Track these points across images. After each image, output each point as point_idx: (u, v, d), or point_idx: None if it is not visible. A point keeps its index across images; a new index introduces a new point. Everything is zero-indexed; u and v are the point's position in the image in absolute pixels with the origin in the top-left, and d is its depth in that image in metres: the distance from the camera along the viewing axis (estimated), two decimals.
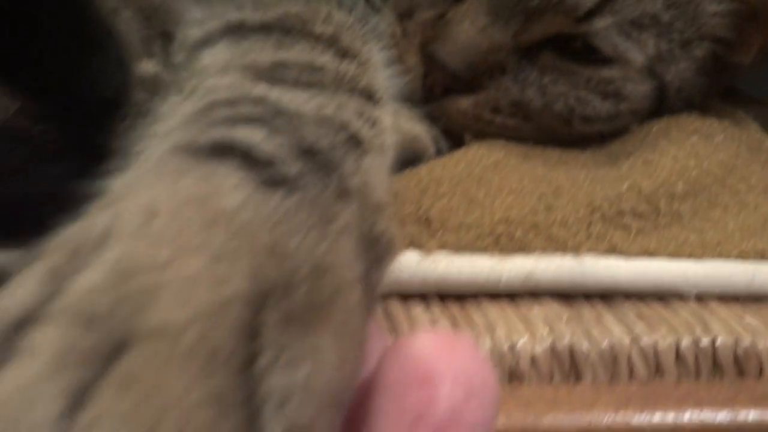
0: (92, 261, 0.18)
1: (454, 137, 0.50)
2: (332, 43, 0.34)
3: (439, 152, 0.48)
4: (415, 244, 0.37)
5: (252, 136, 0.24)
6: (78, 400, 0.16)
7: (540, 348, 0.34)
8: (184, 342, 0.17)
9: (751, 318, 0.36)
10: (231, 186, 0.21)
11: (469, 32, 0.48)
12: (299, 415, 0.18)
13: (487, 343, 0.34)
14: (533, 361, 0.34)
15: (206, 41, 0.35)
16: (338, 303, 0.20)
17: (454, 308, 0.36)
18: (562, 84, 0.49)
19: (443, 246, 0.37)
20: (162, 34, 0.44)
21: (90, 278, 0.18)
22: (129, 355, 0.16)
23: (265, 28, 0.34)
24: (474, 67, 0.48)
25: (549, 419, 0.31)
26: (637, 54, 0.48)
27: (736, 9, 0.51)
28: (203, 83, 0.29)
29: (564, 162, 0.47)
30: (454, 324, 0.35)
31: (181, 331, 0.17)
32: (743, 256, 0.38)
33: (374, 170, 0.27)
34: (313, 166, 0.24)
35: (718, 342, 0.34)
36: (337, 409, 0.19)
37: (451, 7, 0.50)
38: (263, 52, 0.32)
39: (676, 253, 0.38)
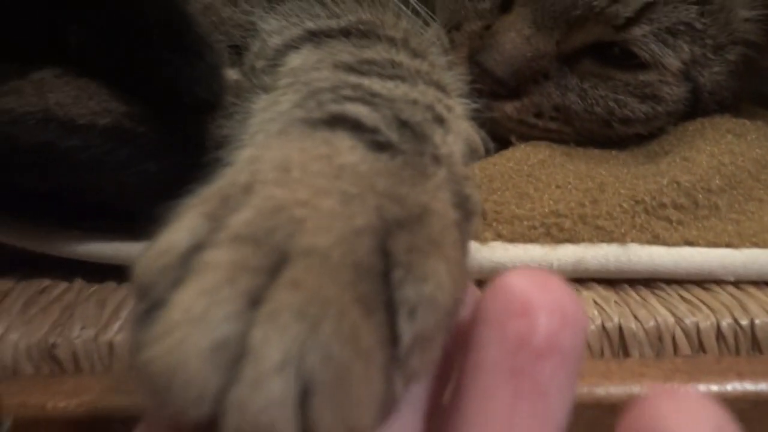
0: (242, 204, 0.22)
1: (499, 140, 0.53)
2: (404, 44, 0.38)
3: (487, 152, 0.51)
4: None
5: (358, 110, 0.28)
6: (254, 299, 0.19)
7: (591, 327, 0.36)
8: (333, 258, 0.20)
9: None
10: (347, 147, 0.25)
11: (514, 41, 0.51)
12: (425, 325, 0.21)
13: None
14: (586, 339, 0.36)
15: (289, 47, 0.39)
16: (447, 239, 0.23)
17: None
18: (601, 88, 0.52)
19: (498, 236, 0.40)
20: (230, 46, 0.48)
21: (244, 215, 0.21)
22: (290, 267, 0.20)
23: (343, 33, 0.39)
24: (519, 74, 0.51)
25: (602, 390, 0.33)
26: (672, 59, 0.51)
27: (767, 14, 0.53)
28: (300, 78, 0.34)
29: (605, 160, 0.49)
30: None
31: (328, 251, 0.20)
32: None
33: (456, 147, 0.31)
34: (410, 135, 0.28)
35: (757, 321, 0.36)
36: (448, 326, 0.22)
37: (496, 19, 0.53)
38: (347, 52, 0.36)
39: (714, 243, 0.40)
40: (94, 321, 0.37)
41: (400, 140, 0.27)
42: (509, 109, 0.53)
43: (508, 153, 0.48)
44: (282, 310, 0.19)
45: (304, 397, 0.18)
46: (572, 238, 0.40)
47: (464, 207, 0.27)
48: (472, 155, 0.49)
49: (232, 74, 0.42)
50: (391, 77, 0.33)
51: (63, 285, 0.41)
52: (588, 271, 0.40)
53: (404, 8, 0.55)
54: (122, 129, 0.37)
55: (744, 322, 0.37)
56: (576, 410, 0.33)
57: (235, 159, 0.25)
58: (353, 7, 0.44)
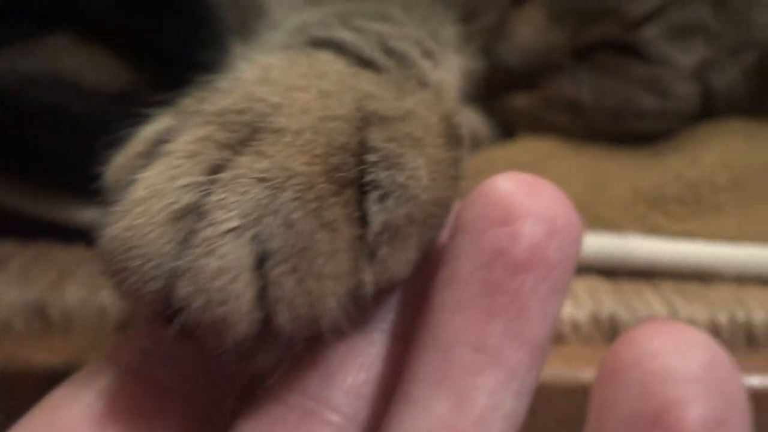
0: (218, 99, 0.21)
1: (510, 132, 0.52)
2: (397, 5, 0.38)
3: (494, 142, 0.50)
4: None
5: (343, 34, 0.27)
6: (217, 170, 0.18)
7: (582, 314, 0.35)
8: (305, 136, 0.19)
9: None
10: (330, 59, 0.24)
11: (528, 34, 0.50)
12: (396, 213, 0.19)
13: None
14: (575, 326, 0.35)
15: (292, 12, 0.39)
16: (429, 140, 0.22)
17: None
18: (612, 82, 0.51)
19: None
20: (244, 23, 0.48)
21: (220, 102, 0.20)
22: (259, 141, 0.19)
23: None
24: (532, 67, 0.50)
25: (587, 374, 0.32)
26: (685, 58, 0.49)
27: None
28: (292, 23, 0.33)
29: (611, 154, 0.48)
30: None
31: (301, 131, 0.19)
32: None
33: (447, 81, 0.30)
34: (396, 61, 0.27)
35: (754, 318, 0.35)
36: (426, 230, 0.20)
37: (511, 12, 0.52)
38: (342, 6, 0.36)
39: (715, 237, 0.39)
40: (88, 283, 0.37)
41: (385, 62, 0.26)
42: (520, 101, 0.52)
43: (513, 142, 0.47)
44: (242, 176, 0.18)
45: (264, 264, 0.17)
46: None
47: (452, 132, 0.25)
48: (476, 143, 0.49)
49: (237, 50, 0.42)
50: (383, 21, 0.32)
51: (62, 248, 0.41)
52: (585, 260, 0.39)
53: None
54: (129, 95, 0.37)
55: (741, 318, 0.35)
56: (561, 394, 0.32)
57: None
58: None
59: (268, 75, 0.22)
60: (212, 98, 0.21)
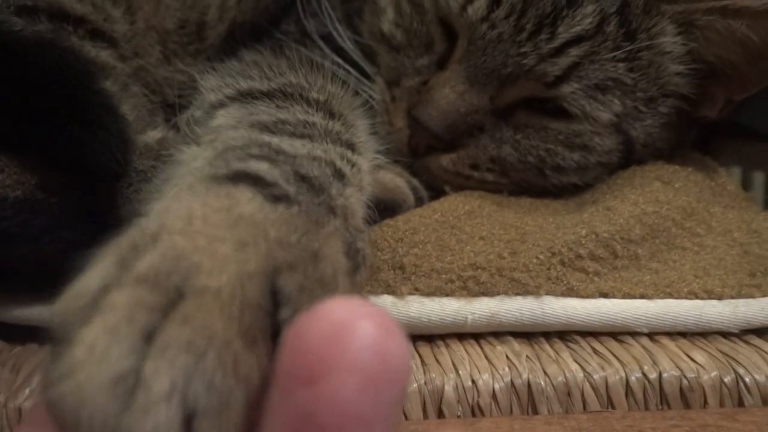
0: (148, 251, 0.23)
1: (438, 190, 0.52)
2: (323, 107, 0.40)
3: (420, 201, 0.50)
4: (389, 289, 0.39)
5: (260, 166, 0.30)
6: (149, 335, 0.20)
7: (500, 384, 0.35)
8: (223, 296, 0.22)
9: (697, 353, 0.36)
10: (246, 199, 0.27)
11: (449, 97, 0.50)
12: None
13: (451, 379, 0.35)
14: (494, 396, 0.34)
15: (221, 104, 0.42)
16: (338, 282, 0.25)
17: (424, 348, 0.38)
18: (533, 138, 0.51)
19: (415, 290, 0.39)
20: (166, 104, 0.47)
21: (149, 260, 0.23)
22: (184, 304, 0.21)
23: (268, 95, 0.41)
24: (453, 128, 0.50)
25: None
26: (603, 113, 0.50)
27: (697, 68, 0.52)
28: (220, 137, 0.35)
29: (535, 209, 0.48)
30: (423, 363, 0.36)
31: (220, 290, 0.22)
32: (693, 294, 0.39)
33: (354, 199, 0.32)
34: (307, 188, 0.30)
35: (665, 375, 0.34)
36: None
37: (433, 75, 0.52)
38: (267, 113, 0.38)
39: (629, 294, 0.38)
40: (6, 386, 0.35)
41: (297, 192, 0.29)
42: (445, 162, 0.52)
43: (436, 204, 0.47)
44: (171, 344, 0.20)
45: (191, 422, 0.19)
46: (488, 291, 0.39)
47: (354, 258, 0.28)
48: (401, 206, 0.48)
49: (154, 134, 0.41)
50: (301, 136, 0.35)
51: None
52: (502, 324, 0.38)
53: (347, 66, 0.55)
54: (34, 200, 0.36)
55: (652, 375, 0.34)
56: None
57: (150, 210, 0.27)
58: (285, 71, 0.45)
59: (190, 227, 0.24)
60: (143, 246, 0.23)
